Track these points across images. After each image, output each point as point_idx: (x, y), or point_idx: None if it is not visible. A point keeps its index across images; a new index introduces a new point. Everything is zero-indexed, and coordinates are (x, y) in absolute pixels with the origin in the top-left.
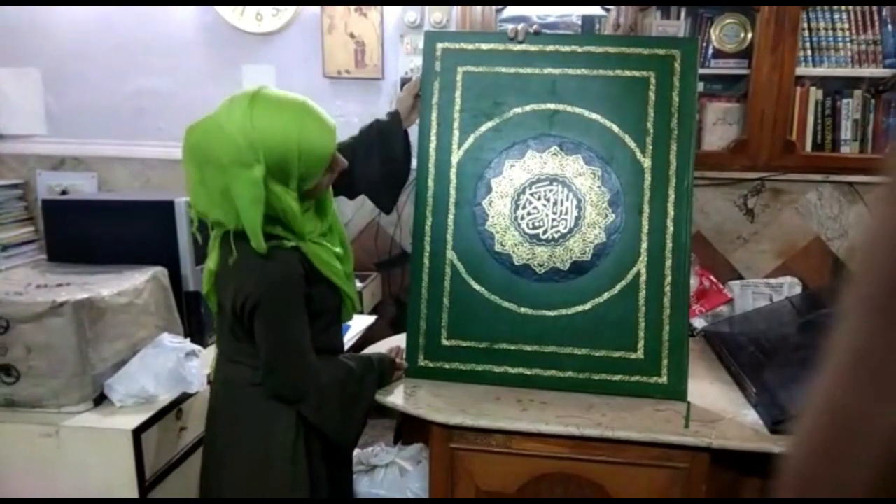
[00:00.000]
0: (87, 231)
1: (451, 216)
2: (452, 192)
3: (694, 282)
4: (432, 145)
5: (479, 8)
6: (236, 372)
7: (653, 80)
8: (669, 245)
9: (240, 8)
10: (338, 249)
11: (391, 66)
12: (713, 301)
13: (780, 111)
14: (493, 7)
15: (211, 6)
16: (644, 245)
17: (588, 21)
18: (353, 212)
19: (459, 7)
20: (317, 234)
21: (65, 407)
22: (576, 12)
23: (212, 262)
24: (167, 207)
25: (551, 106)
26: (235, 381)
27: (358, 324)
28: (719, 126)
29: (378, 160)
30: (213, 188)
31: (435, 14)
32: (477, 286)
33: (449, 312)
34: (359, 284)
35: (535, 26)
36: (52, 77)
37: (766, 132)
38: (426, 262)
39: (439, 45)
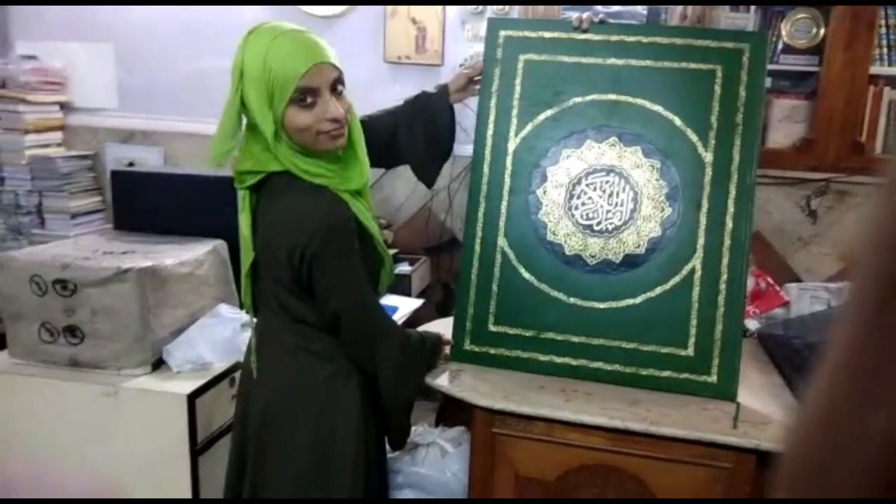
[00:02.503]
0: (152, 202)
1: (504, 203)
2: (507, 179)
3: (750, 282)
4: (489, 132)
5: None
6: (302, 362)
7: (719, 74)
8: (727, 242)
9: None
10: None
11: (451, 53)
12: (769, 303)
13: (850, 110)
14: None
15: None
16: (700, 241)
17: (654, 11)
18: (406, 196)
19: None
20: (330, 181)
21: (125, 369)
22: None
23: (244, 226)
24: (228, 183)
25: (612, 96)
26: (302, 372)
27: (405, 306)
28: (785, 123)
29: (421, 131)
30: (226, 109)
31: None
32: (527, 274)
33: (497, 299)
34: (408, 268)
35: (600, 15)
36: (124, 53)
37: (835, 132)
38: (477, 247)
39: (502, 33)
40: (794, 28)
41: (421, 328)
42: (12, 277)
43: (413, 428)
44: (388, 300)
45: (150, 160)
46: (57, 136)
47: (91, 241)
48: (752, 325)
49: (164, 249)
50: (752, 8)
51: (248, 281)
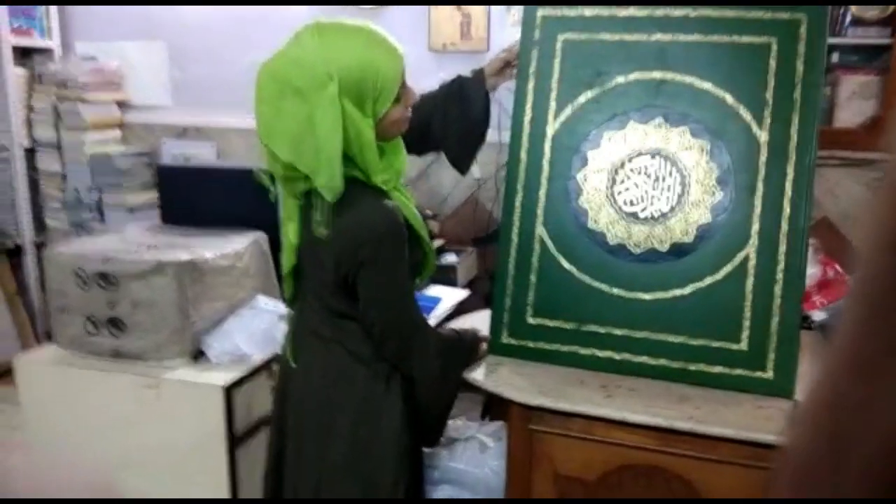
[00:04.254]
0: (197, 197)
1: (542, 190)
2: (545, 165)
3: (816, 270)
4: (527, 117)
5: None
6: (337, 354)
7: (774, 47)
8: (785, 228)
9: None
10: (412, 201)
11: (497, 38)
12: (836, 293)
13: None
14: None
15: None
16: (755, 227)
17: None
18: (453, 186)
19: None
20: (392, 184)
21: (165, 360)
22: None
23: (292, 234)
24: (269, 176)
25: (658, 75)
26: (337, 365)
27: (449, 298)
28: (854, 101)
29: (456, 117)
30: (290, 120)
31: None
32: (566, 264)
33: (536, 290)
34: (454, 258)
35: None
36: (176, 51)
37: None
38: (515, 237)
39: (539, 12)
40: None
41: (463, 319)
42: (58, 271)
43: (452, 421)
44: (432, 291)
45: (203, 155)
46: (115, 133)
47: (137, 234)
48: (818, 316)
49: (206, 242)
50: None
51: (291, 279)
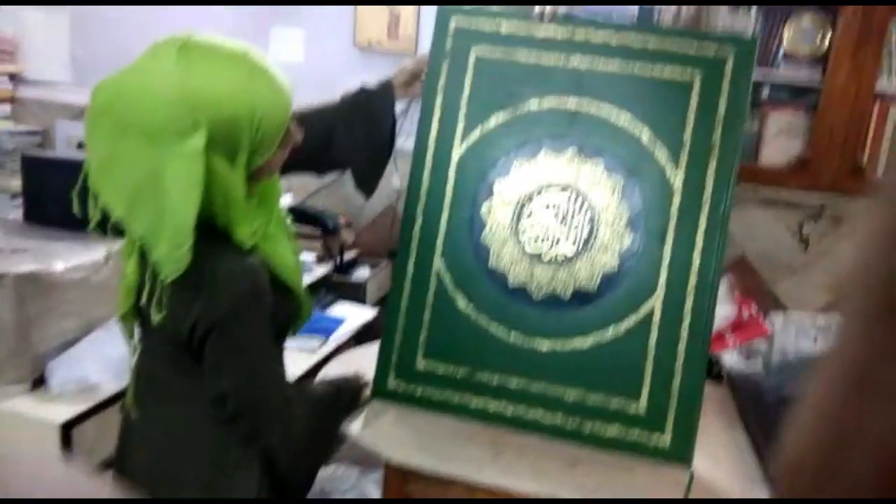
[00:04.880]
0: (65, 193)
1: (443, 218)
2: (449, 191)
3: (730, 310)
4: (432, 135)
5: None
6: (184, 413)
7: (697, 84)
8: (693, 281)
9: None
10: (290, 245)
11: (426, 39)
12: (750, 333)
13: (852, 128)
14: None
15: None
16: (662, 278)
17: (646, 13)
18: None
19: None
20: (262, 231)
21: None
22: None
23: (130, 272)
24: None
25: (573, 103)
26: (184, 425)
27: (355, 317)
28: (780, 139)
29: (363, 134)
30: (129, 168)
31: None
32: (463, 304)
33: (429, 329)
34: (366, 273)
35: (564, 8)
36: (81, 22)
37: (834, 150)
38: (410, 268)
39: (453, 21)
40: (798, 34)
41: (343, 356)
42: None
43: (331, 468)
44: (336, 310)
45: None
46: (5, 108)
47: None
48: (729, 358)
49: (63, 248)
50: (754, 9)
51: (130, 322)
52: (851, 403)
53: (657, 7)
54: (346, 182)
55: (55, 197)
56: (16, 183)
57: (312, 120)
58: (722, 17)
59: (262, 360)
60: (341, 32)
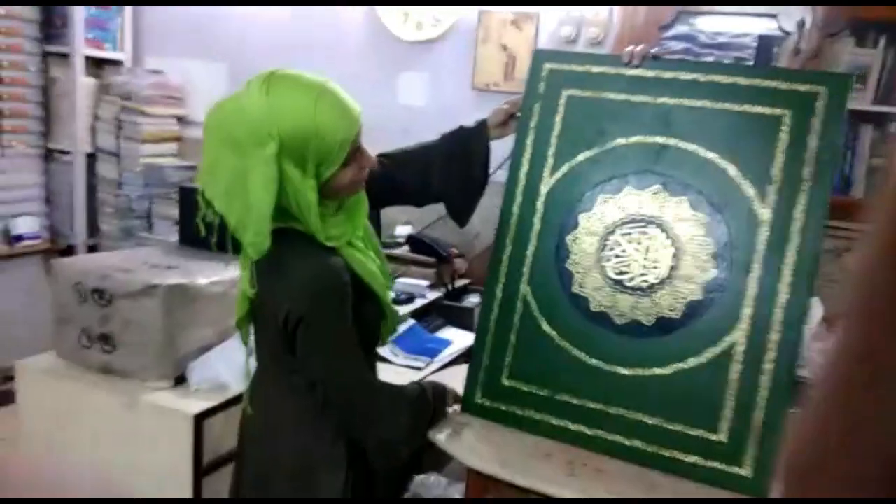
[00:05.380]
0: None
1: (531, 248)
2: (537, 222)
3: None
4: (523, 170)
5: (640, 23)
6: (282, 408)
7: (787, 120)
8: (779, 315)
9: (402, 15)
10: (374, 258)
11: None
12: None
13: None
14: (657, 24)
15: (376, 14)
16: (747, 311)
17: (765, 44)
18: (483, 225)
19: (618, 21)
20: (345, 239)
21: (148, 381)
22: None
23: (245, 283)
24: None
25: (660, 139)
26: (281, 419)
27: (461, 341)
28: None
29: (457, 169)
30: (226, 171)
31: (591, 29)
32: (547, 327)
33: (514, 351)
34: (476, 300)
35: (655, 49)
36: (236, 72)
37: None
38: (499, 293)
39: (546, 65)
40: None
41: (437, 374)
42: (60, 283)
43: (423, 477)
44: (445, 333)
45: None
46: (172, 147)
47: (146, 253)
48: None
49: (207, 267)
50: (881, 44)
51: (245, 328)
52: (854, 404)
53: (776, 40)
54: None
55: (221, 226)
56: (176, 211)
57: (413, 155)
58: (847, 53)
59: (347, 349)
60: (461, 76)
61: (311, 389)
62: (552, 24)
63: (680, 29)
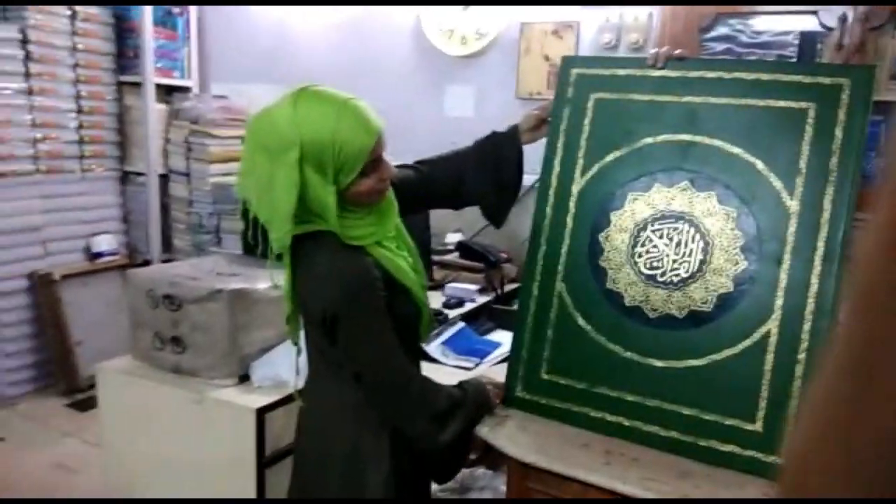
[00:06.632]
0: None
1: (565, 246)
2: (569, 221)
3: None
4: (555, 172)
5: (679, 27)
6: (329, 400)
7: (812, 113)
8: (811, 305)
9: (447, 31)
10: (407, 257)
11: None
12: None
13: None
14: (697, 26)
15: (422, 32)
16: (779, 301)
17: (808, 40)
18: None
19: (658, 26)
20: (373, 239)
21: (215, 380)
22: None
23: (286, 282)
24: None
25: (687, 137)
26: (329, 411)
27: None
28: None
29: (490, 173)
30: (259, 175)
31: (631, 35)
32: (582, 322)
33: (551, 346)
34: None
35: (679, 51)
36: None
37: None
38: (535, 290)
39: (574, 71)
40: None
41: (480, 370)
42: (134, 291)
43: (472, 470)
44: (496, 335)
45: None
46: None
47: (212, 262)
48: None
49: (266, 274)
50: None
51: (294, 324)
52: (854, 402)
53: (819, 36)
54: (509, 219)
55: (264, 235)
56: (242, 226)
57: (447, 160)
58: (893, 45)
59: (382, 338)
60: (506, 87)
61: (357, 382)
62: (592, 32)
63: (720, 30)
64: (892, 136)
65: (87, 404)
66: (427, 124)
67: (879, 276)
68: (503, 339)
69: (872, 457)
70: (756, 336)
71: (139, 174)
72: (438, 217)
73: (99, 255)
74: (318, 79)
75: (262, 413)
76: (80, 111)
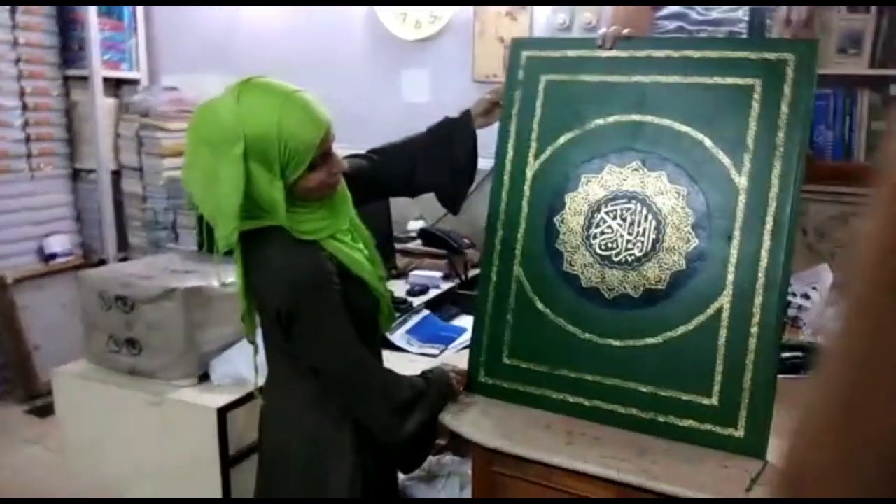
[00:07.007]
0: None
1: (521, 230)
2: (525, 205)
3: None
4: (509, 156)
5: (632, 7)
6: (289, 395)
7: (758, 89)
8: (761, 280)
9: (401, 14)
10: (363, 249)
11: None
12: None
13: None
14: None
15: (376, 16)
16: (730, 277)
17: (757, 16)
18: None
19: (611, 6)
20: (326, 233)
21: (173, 380)
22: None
23: (238, 277)
24: None
25: (636, 117)
26: (290, 406)
27: None
28: None
29: (444, 159)
30: (202, 169)
31: (585, 14)
32: (541, 306)
33: (512, 331)
34: None
35: (627, 30)
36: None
37: None
38: (493, 276)
39: (524, 54)
40: None
41: (442, 357)
42: (86, 292)
43: (438, 457)
44: (461, 321)
45: None
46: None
47: (166, 260)
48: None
49: (222, 271)
50: (874, 8)
51: (249, 321)
52: (852, 402)
53: (768, 13)
54: (470, 205)
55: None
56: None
57: (399, 148)
58: (839, 19)
59: (339, 335)
60: (462, 70)
61: (315, 375)
62: (546, 12)
63: (672, 8)
64: (888, 135)
65: (47, 410)
66: (385, 110)
67: (876, 276)
68: (468, 324)
69: (871, 457)
70: (709, 312)
71: (90, 171)
72: (399, 205)
73: (53, 256)
74: (273, 66)
75: (223, 412)
76: (25, 108)
